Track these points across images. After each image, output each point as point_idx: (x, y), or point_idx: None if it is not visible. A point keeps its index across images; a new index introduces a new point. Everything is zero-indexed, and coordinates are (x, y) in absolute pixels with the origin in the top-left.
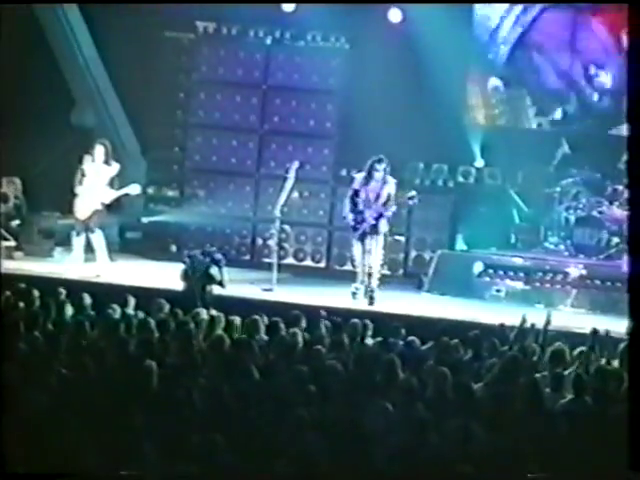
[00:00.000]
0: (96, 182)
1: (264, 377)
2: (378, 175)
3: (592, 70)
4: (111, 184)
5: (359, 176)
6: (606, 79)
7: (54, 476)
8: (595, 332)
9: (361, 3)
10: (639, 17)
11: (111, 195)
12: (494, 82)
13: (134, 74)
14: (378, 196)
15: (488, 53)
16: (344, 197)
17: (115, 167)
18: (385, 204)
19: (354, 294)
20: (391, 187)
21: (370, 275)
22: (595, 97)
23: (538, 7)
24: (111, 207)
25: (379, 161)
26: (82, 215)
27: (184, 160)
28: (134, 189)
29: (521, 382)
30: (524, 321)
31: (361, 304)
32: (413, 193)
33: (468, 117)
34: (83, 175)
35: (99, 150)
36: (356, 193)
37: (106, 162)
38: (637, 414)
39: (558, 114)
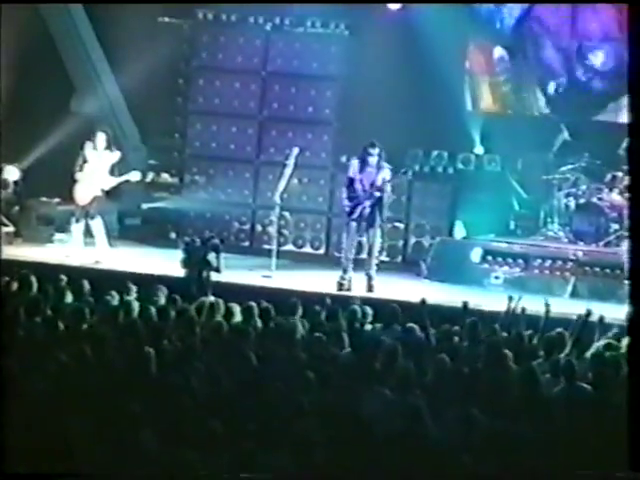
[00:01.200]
0: (97, 169)
1: (262, 364)
2: (372, 160)
3: (592, 51)
4: (112, 171)
5: (354, 163)
6: (606, 61)
7: (54, 476)
8: (588, 314)
9: None
10: (639, 17)
11: (111, 182)
12: (499, 52)
13: (134, 61)
14: (373, 183)
15: (493, 23)
16: (343, 184)
17: (116, 154)
18: (380, 190)
19: (341, 285)
20: (386, 173)
21: (369, 263)
22: (595, 78)
23: None
24: (110, 193)
25: (372, 145)
26: (82, 201)
27: (184, 147)
28: (134, 176)
29: (518, 368)
30: (510, 300)
31: (360, 291)
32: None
33: (471, 84)
34: (84, 161)
35: (101, 137)
36: (351, 181)
37: (108, 149)
38: (637, 414)
39: (561, 86)
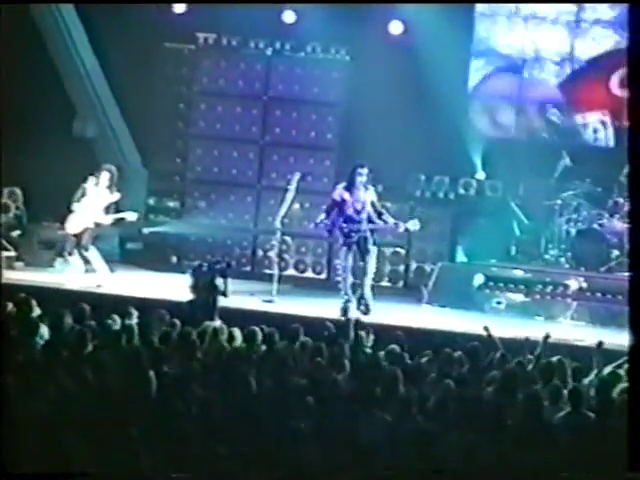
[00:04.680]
0: (94, 204)
1: (263, 388)
2: (360, 180)
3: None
4: (107, 210)
5: (340, 186)
6: None
7: (54, 476)
8: (599, 345)
9: (362, 3)
10: (639, 17)
11: (105, 219)
12: (500, 76)
13: (135, 85)
14: (363, 206)
15: (492, 46)
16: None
17: (116, 196)
18: (373, 212)
19: (345, 310)
20: (371, 195)
21: (363, 286)
22: None
23: None
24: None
25: (361, 166)
26: (73, 230)
27: (185, 171)
28: (131, 216)
29: (521, 395)
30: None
31: (360, 315)
32: (415, 222)
33: (473, 110)
34: (83, 194)
35: (104, 176)
36: (337, 204)
37: (109, 188)
38: (637, 415)
39: (564, 108)
